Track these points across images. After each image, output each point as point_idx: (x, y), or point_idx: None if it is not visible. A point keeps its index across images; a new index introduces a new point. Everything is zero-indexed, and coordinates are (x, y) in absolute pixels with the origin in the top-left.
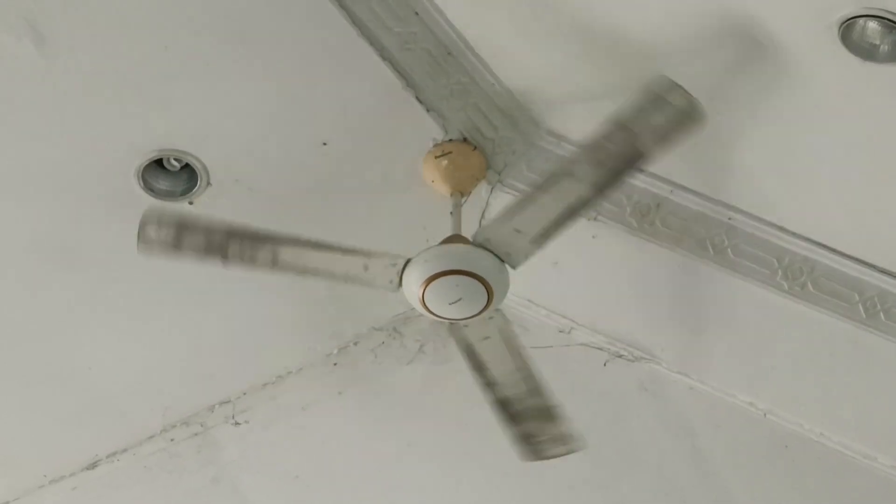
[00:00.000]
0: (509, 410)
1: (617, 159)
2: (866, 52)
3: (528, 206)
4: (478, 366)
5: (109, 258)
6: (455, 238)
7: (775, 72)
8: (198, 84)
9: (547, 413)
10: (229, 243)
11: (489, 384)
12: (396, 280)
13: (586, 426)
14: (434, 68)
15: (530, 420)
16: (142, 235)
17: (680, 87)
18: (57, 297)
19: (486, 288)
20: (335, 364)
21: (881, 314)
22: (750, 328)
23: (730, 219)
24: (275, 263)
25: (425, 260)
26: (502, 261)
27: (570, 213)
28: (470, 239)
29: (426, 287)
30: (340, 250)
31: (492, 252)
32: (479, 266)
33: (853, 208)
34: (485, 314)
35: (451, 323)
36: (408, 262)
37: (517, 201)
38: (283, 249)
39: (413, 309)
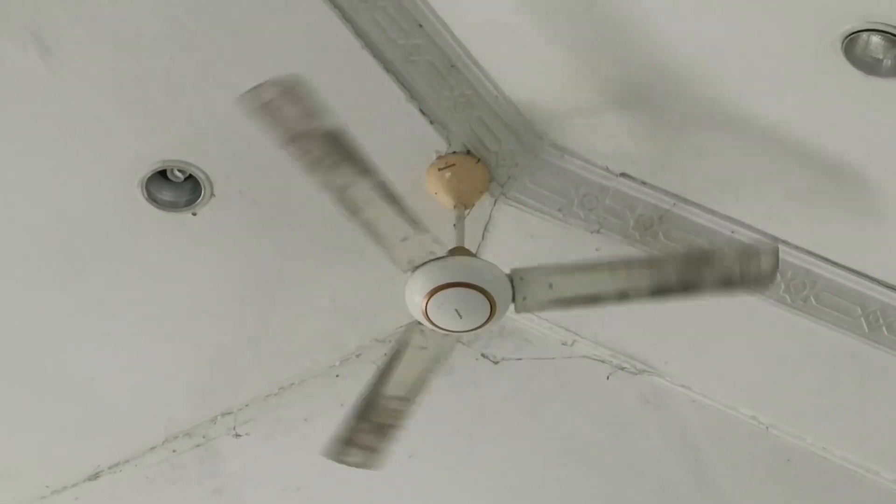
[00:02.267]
0: (364, 410)
1: (679, 282)
2: (869, 66)
3: (579, 273)
4: (387, 364)
5: (113, 269)
6: (458, 250)
7: (779, 85)
8: (201, 95)
9: (387, 429)
10: (322, 145)
11: (377, 382)
12: (417, 265)
13: (588, 438)
14: (438, 81)
15: (368, 426)
16: (258, 94)
17: (777, 254)
18: (60, 307)
19: (489, 301)
20: (337, 375)
21: (883, 328)
22: (753, 342)
23: (732, 232)
24: (341, 190)
25: (428, 273)
26: (513, 299)
27: (602, 300)
28: (473, 251)
29: (429, 299)
30: (401, 211)
31: (511, 287)
32: (483, 279)
33: (856, 222)
34: (490, 325)
35: (412, 325)
36: (436, 259)
37: (576, 263)
38: (360, 183)
39: (416, 320)
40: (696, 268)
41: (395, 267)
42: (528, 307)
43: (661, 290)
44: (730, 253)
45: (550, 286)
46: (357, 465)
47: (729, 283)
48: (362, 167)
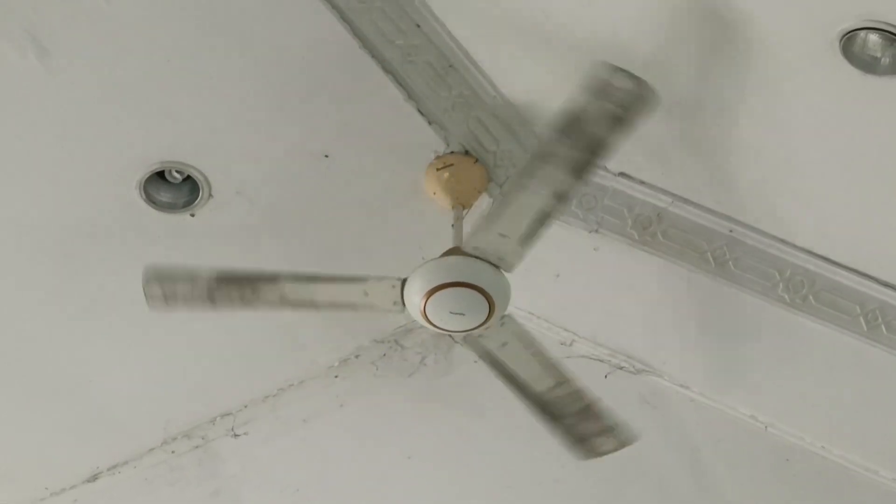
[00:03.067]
0: (549, 412)
1: (577, 154)
2: (867, 64)
3: (505, 209)
4: (505, 373)
5: (111, 271)
6: (456, 251)
7: (776, 84)
8: (199, 96)
9: (586, 409)
10: (230, 289)
11: (521, 388)
12: (399, 301)
13: None
14: (436, 81)
15: (572, 418)
16: (147, 293)
17: (622, 70)
18: (58, 309)
19: (486, 298)
20: (336, 376)
21: (882, 327)
22: (751, 341)
23: (731, 231)
24: (278, 302)
25: (424, 274)
26: (497, 267)
27: (546, 212)
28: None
29: (427, 300)
30: (337, 281)
31: (484, 260)
32: (475, 277)
33: (854, 220)
34: (492, 322)
35: (465, 335)
36: (404, 281)
37: (493, 207)
38: (283, 288)
39: (414, 321)
40: (579, 129)
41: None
42: (509, 264)
43: (575, 168)
44: (590, 100)
45: (503, 235)
46: (615, 449)
47: (620, 121)
48: (263, 278)
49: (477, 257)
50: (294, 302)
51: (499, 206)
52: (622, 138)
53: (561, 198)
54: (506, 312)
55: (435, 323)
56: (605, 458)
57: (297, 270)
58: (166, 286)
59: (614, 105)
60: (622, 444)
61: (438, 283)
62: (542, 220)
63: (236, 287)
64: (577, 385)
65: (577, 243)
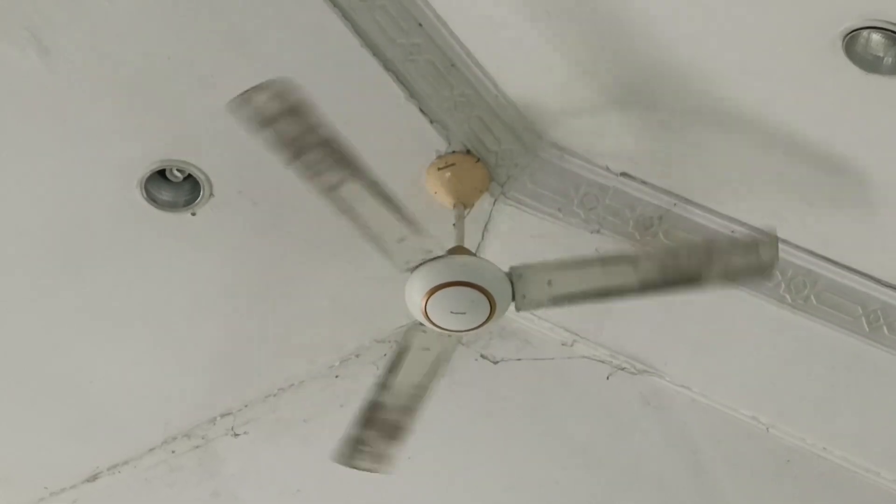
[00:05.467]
0: (372, 414)
1: (680, 274)
2: (870, 64)
3: (578, 269)
4: (392, 367)
5: (112, 270)
6: (458, 250)
7: (779, 83)
8: (201, 95)
9: (395, 432)
10: (315, 148)
11: (382, 386)
12: (414, 265)
13: (588, 439)
14: (438, 80)
15: (376, 431)
16: (248, 99)
17: (776, 243)
18: (58, 308)
19: (489, 301)
20: (337, 376)
21: (884, 328)
22: (753, 341)
23: (732, 231)
24: (333, 189)
25: (428, 272)
26: (513, 298)
27: (603, 295)
28: (473, 251)
29: (429, 298)
30: (397, 212)
31: (511, 285)
32: (481, 278)
33: (856, 221)
34: (492, 322)
35: (414, 326)
36: (436, 258)
37: (574, 259)
38: (352, 184)
39: (415, 321)
40: (697, 260)
41: (393, 267)
42: (527, 305)
43: (663, 284)
44: (730, 245)
45: (549, 283)
46: (367, 470)
47: (729, 275)
48: (355, 168)
49: (505, 274)
50: (345, 200)
51: (576, 262)
52: (718, 286)
53: (623, 295)
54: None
55: (435, 322)
56: (606, 458)
57: (375, 176)
58: (271, 103)
59: (742, 264)
60: (374, 470)
61: (440, 282)
62: (591, 299)
63: (322, 150)
64: (416, 413)
65: (579, 243)
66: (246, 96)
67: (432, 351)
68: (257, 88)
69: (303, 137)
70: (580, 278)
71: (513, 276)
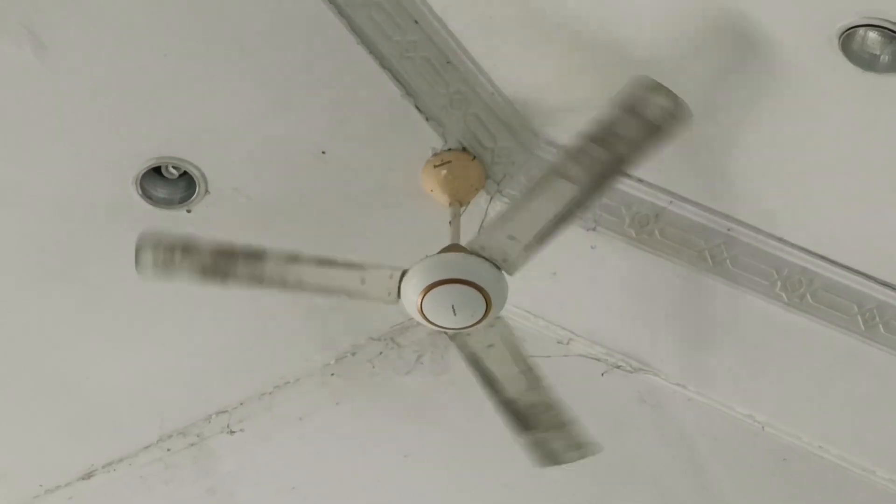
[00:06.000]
0: (519, 417)
1: (605, 162)
2: (866, 62)
3: (520, 212)
4: (484, 374)
5: (107, 267)
6: (454, 247)
7: (775, 82)
8: (196, 91)
9: (557, 419)
10: (226, 263)
11: (497, 392)
12: (395, 292)
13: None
14: (433, 77)
15: (541, 426)
16: (139, 259)
17: (663, 86)
18: (54, 306)
19: (484, 297)
20: (333, 374)
21: (880, 326)
22: (748, 340)
23: (729, 230)
24: (272, 280)
25: (423, 269)
26: (499, 268)
27: (562, 218)
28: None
29: (424, 296)
30: (336, 265)
31: (488, 260)
32: (476, 275)
33: (853, 219)
34: (485, 322)
35: (455, 333)
36: (404, 272)
37: (508, 208)
38: (280, 266)
39: (411, 319)
40: (610, 138)
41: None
42: (513, 267)
43: (600, 175)
44: (625, 110)
45: (511, 238)
46: (576, 460)
47: (650, 137)
48: (272, 256)
49: (480, 256)
50: (288, 282)
51: (513, 208)
52: (648, 154)
53: (577, 206)
54: (501, 313)
55: (431, 319)
56: (602, 457)
57: (296, 250)
58: (160, 254)
59: (648, 122)
60: (583, 456)
61: (436, 280)
62: (555, 227)
63: (231, 261)
64: (553, 397)
65: (575, 241)
66: (139, 260)
67: (497, 343)
68: (139, 248)
69: (208, 262)
70: (531, 218)
71: (479, 251)
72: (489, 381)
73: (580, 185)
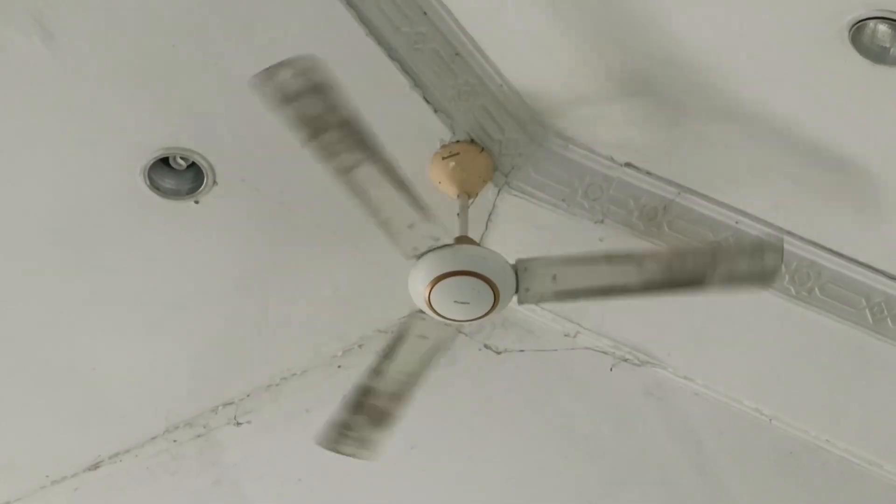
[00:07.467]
0: (361, 399)
1: (684, 276)
2: (876, 54)
3: (583, 265)
4: (387, 353)
5: (115, 258)
6: (462, 239)
7: (785, 74)
8: (204, 83)
9: (383, 418)
10: (334, 128)
11: (375, 371)
12: (420, 252)
13: (591, 430)
14: (442, 69)
15: (364, 416)
16: (271, 75)
17: (781, 249)
18: (61, 295)
19: (493, 290)
20: (339, 366)
21: (888, 320)
22: (756, 333)
23: (737, 222)
24: (348, 171)
25: (431, 261)
26: (516, 290)
27: (606, 293)
28: (477, 241)
29: (433, 287)
30: (410, 197)
31: (515, 277)
32: (487, 268)
33: (861, 212)
34: (491, 315)
35: (414, 314)
36: (442, 247)
37: (580, 255)
38: (368, 166)
39: (418, 310)
40: (701, 263)
41: (398, 253)
42: (531, 298)
43: (666, 285)
44: (735, 248)
45: (554, 278)
46: (350, 455)
47: (733, 279)
48: (373, 150)
49: (513, 268)
50: (358, 183)
51: (583, 258)
52: (721, 289)
53: (627, 294)
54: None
55: (439, 311)
56: (608, 449)
57: (391, 159)
58: (294, 80)
59: (746, 270)
60: (358, 456)
61: (445, 272)
62: (593, 295)
63: (341, 130)
64: (404, 402)
65: (583, 234)
66: (270, 72)
67: (429, 339)
68: (282, 64)
69: (323, 117)
70: (585, 275)
71: (518, 269)
72: (382, 360)
73: (645, 280)
